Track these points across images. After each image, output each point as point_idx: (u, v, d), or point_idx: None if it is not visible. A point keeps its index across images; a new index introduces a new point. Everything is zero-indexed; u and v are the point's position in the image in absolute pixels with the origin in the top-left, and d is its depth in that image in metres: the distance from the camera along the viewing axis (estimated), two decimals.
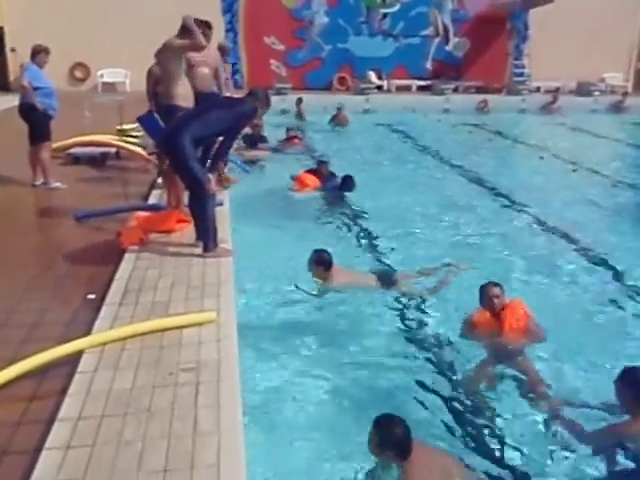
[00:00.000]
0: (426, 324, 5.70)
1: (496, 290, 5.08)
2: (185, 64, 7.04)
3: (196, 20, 6.64)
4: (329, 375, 4.73)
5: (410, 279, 6.34)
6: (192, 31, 6.27)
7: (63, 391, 3.59)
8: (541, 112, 20.40)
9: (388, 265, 6.98)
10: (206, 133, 5.53)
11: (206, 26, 7.16)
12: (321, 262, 5.96)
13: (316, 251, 6.04)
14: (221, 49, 9.62)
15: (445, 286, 6.21)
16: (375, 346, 5.28)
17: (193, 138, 5.38)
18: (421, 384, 4.73)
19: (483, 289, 5.13)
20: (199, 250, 5.69)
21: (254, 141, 12.24)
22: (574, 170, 12.26)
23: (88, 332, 4.26)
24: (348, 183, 9.49)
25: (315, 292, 5.91)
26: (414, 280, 6.36)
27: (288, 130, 13.58)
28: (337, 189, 9.61)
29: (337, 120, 16.42)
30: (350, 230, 8.31)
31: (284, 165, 11.47)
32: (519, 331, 4.96)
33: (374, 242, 7.85)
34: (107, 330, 4.24)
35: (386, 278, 6.24)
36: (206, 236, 5.65)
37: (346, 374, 4.81)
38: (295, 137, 13.37)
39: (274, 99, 16.01)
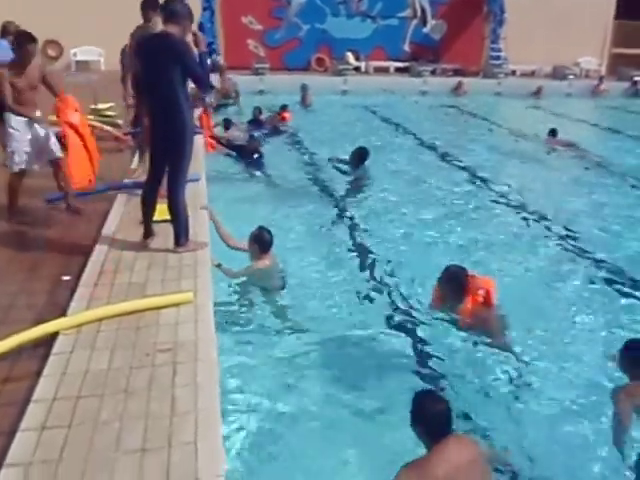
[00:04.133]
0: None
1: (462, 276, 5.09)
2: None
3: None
4: (301, 354, 4.86)
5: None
6: None
7: (38, 373, 3.56)
8: (519, 97, 20.51)
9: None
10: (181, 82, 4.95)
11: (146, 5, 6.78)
12: (259, 241, 5.70)
13: (260, 228, 5.78)
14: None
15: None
16: (346, 319, 5.46)
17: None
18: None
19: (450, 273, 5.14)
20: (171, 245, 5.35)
21: (229, 123, 12.15)
22: (549, 152, 12.41)
23: (63, 314, 4.22)
24: (362, 155, 9.65)
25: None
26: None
27: (283, 107, 13.73)
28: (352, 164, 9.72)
29: (303, 101, 16.36)
30: (326, 211, 8.41)
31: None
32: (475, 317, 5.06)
33: (348, 222, 8.00)
34: (83, 311, 4.20)
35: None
36: (178, 229, 5.27)
37: (319, 351, 4.92)
38: (286, 113, 13.55)
39: (252, 79, 15.92)
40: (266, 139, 12.21)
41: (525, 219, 8.31)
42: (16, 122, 6.00)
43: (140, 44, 5.19)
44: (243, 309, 5.45)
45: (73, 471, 2.81)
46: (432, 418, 3.30)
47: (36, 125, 6.11)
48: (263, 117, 13.40)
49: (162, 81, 4.89)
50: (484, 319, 4.99)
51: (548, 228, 8.02)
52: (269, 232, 5.77)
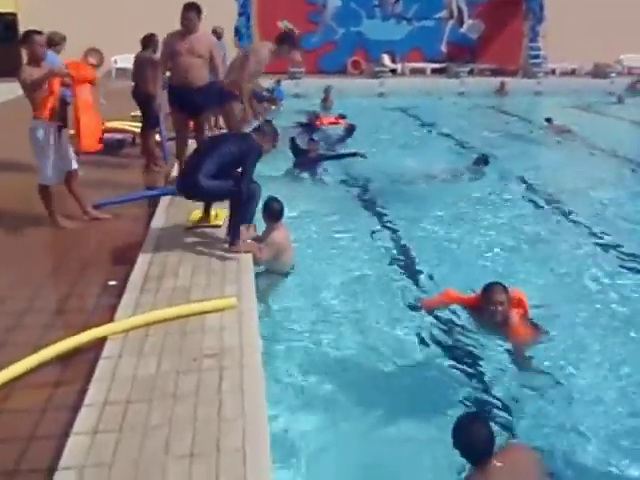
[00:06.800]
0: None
1: (502, 297, 4.75)
2: (167, 54, 7.12)
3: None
4: (345, 357, 4.84)
5: None
6: None
7: (88, 377, 3.63)
8: (559, 95, 20.07)
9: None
10: (220, 167, 5.35)
11: (185, 9, 6.95)
12: (268, 210, 5.96)
13: (270, 199, 6.03)
14: (215, 33, 9.36)
15: None
16: (385, 325, 5.36)
17: (208, 175, 5.28)
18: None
19: (488, 291, 4.83)
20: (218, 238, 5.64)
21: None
22: (592, 153, 12.18)
23: (110, 319, 4.30)
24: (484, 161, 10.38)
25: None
26: None
27: (341, 115, 14.20)
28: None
29: (324, 103, 16.38)
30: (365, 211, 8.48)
31: None
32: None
33: (382, 221, 8.04)
34: (129, 317, 4.27)
35: None
36: (235, 231, 5.46)
37: (348, 360, 4.85)
38: (342, 118, 13.99)
39: (288, 84, 16.00)
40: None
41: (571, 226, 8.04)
42: (46, 131, 5.92)
43: None
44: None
45: (125, 475, 2.85)
46: (473, 443, 3.19)
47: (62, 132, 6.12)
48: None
49: None
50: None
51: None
52: (278, 202, 6.01)
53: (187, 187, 5.47)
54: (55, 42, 8.06)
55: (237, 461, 2.93)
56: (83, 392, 3.48)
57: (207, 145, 5.76)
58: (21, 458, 3.05)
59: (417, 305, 5.56)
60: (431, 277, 6.26)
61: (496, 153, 11.55)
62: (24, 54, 6.17)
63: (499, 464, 3.20)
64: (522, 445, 3.67)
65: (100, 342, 3.99)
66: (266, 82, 16.50)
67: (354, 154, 10.73)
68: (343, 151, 11.34)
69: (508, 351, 4.82)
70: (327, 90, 16.67)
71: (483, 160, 10.46)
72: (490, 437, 3.22)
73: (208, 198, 5.76)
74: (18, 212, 6.68)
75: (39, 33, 6.04)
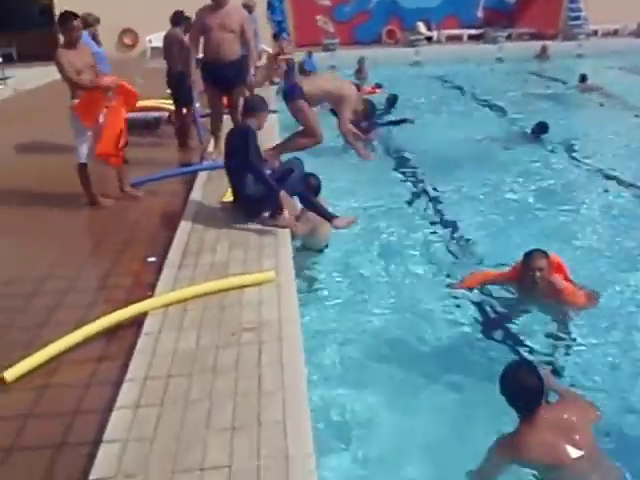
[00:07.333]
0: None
1: (542, 262, 4.64)
2: (198, 30, 7.09)
3: None
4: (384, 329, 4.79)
5: None
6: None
7: (129, 352, 3.67)
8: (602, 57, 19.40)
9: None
10: (247, 165, 5.43)
11: None
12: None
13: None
14: (246, 7, 9.23)
15: None
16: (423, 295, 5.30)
17: (250, 187, 5.48)
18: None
19: (528, 257, 4.72)
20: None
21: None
22: (637, 115, 11.76)
23: (151, 294, 4.33)
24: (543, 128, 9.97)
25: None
26: None
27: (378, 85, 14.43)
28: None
29: (359, 74, 16.11)
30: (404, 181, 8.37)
31: None
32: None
33: (422, 193, 7.91)
34: (169, 292, 4.30)
35: None
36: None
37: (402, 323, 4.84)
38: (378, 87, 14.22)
39: (322, 56, 15.73)
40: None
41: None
42: None
43: None
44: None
45: (167, 449, 2.87)
46: (520, 389, 3.16)
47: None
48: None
49: None
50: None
51: None
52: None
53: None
54: (89, 23, 8.06)
55: (278, 433, 2.93)
56: (125, 367, 3.52)
57: (227, 166, 5.74)
58: (68, 431, 3.12)
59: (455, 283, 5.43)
60: (473, 250, 6.14)
61: (539, 118, 11.21)
62: (60, 37, 6.16)
63: (546, 416, 3.16)
64: (577, 399, 3.58)
65: (141, 318, 4.03)
66: (298, 54, 16.37)
67: (404, 120, 10.82)
68: (393, 118, 11.33)
69: (554, 320, 4.74)
70: (361, 61, 16.43)
71: (542, 128, 9.98)
72: (538, 386, 3.17)
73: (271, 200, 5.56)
74: (56, 192, 6.73)
75: (75, 16, 6.02)
